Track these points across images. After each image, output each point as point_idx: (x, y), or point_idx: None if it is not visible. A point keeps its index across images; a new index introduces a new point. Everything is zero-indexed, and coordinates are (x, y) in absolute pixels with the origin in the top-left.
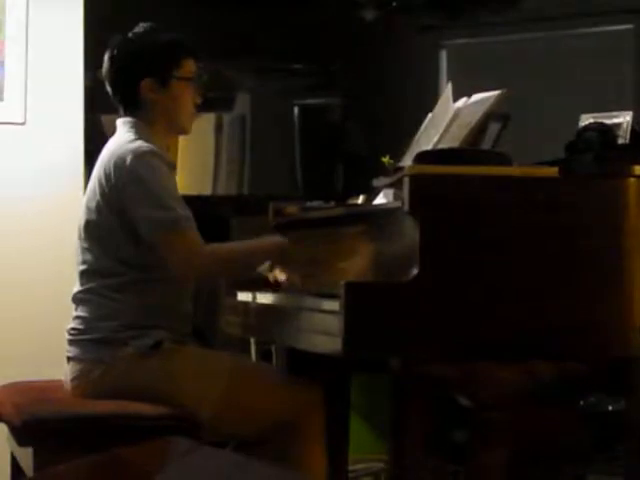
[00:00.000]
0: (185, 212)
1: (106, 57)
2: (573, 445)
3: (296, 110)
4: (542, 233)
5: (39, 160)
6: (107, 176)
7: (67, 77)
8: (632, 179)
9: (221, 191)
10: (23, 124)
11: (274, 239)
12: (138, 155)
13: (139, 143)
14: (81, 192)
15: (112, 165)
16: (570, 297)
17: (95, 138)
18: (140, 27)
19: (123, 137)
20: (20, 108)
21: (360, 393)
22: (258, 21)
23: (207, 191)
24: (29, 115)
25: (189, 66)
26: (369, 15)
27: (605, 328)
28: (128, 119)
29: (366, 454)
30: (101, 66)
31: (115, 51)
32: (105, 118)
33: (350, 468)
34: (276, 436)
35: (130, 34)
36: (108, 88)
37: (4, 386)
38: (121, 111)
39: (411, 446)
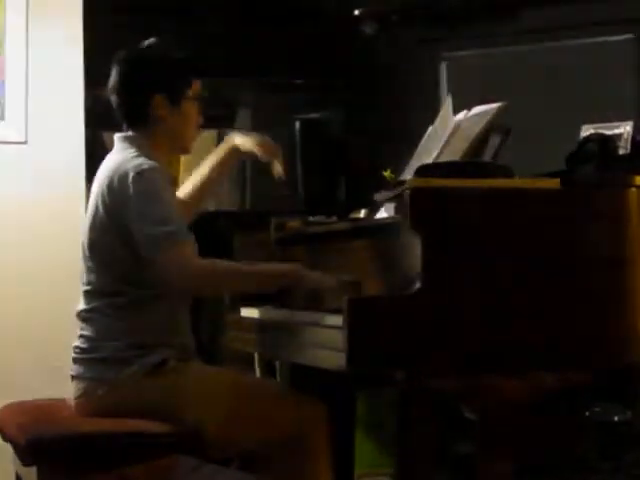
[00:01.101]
0: (183, 227)
1: (114, 71)
2: (578, 455)
3: (297, 125)
4: (544, 244)
5: (41, 179)
6: (110, 193)
7: (68, 95)
8: (633, 189)
9: (223, 206)
10: (24, 143)
11: (290, 265)
12: (140, 172)
13: (141, 160)
14: (83, 210)
15: (116, 182)
16: (573, 308)
17: (96, 156)
18: (153, 41)
19: (123, 154)
20: (21, 127)
21: (365, 407)
22: (258, 36)
23: (209, 206)
24: (30, 134)
25: (197, 86)
26: (369, 29)
27: (609, 338)
28: (128, 134)
29: (371, 468)
30: (102, 84)
31: (125, 64)
32: (106, 135)
33: None
34: (281, 452)
35: (143, 47)
36: (114, 101)
37: (8, 406)
38: (124, 126)
39: (417, 459)
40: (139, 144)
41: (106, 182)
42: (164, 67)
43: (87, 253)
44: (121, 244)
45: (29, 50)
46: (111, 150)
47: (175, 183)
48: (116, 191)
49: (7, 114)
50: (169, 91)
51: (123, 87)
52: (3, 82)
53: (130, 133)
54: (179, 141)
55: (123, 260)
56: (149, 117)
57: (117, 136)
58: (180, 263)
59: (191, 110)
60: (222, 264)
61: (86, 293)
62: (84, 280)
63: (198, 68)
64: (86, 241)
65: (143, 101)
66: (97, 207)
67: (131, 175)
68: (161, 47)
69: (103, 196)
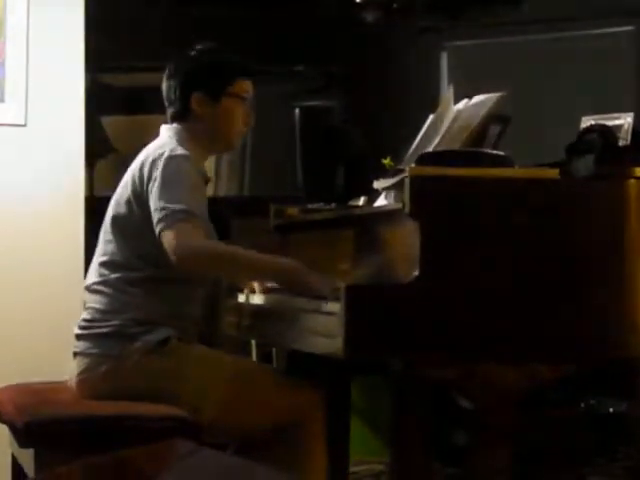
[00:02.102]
0: (196, 209)
1: (166, 70)
2: (573, 446)
3: (297, 112)
4: (542, 235)
5: (40, 162)
6: (141, 173)
7: (68, 79)
8: (633, 181)
9: (222, 192)
10: (24, 126)
11: (292, 262)
12: (172, 157)
13: (179, 147)
14: (82, 192)
15: (149, 163)
16: (571, 299)
17: (96, 140)
18: (203, 44)
19: (164, 141)
20: (21, 110)
21: (361, 395)
22: (258, 23)
23: (208, 192)
24: (30, 117)
25: (244, 86)
26: (370, 17)
27: (607, 330)
28: (173, 126)
29: (367, 456)
30: (102, 68)
31: (174, 64)
32: (106, 120)
33: (351, 470)
34: (277, 438)
35: (192, 50)
36: (164, 99)
37: (6, 387)
38: (169, 119)
39: (412, 447)
40: (180, 137)
41: (142, 162)
42: (202, 67)
43: (108, 227)
44: (143, 221)
45: (29, 32)
46: (111, 134)
47: (207, 181)
48: (147, 172)
49: (7, 96)
50: (207, 89)
51: (168, 86)
52: (3, 64)
53: (175, 125)
54: (220, 137)
55: (143, 237)
56: (191, 113)
57: (163, 126)
58: (180, 240)
59: (232, 107)
60: (224, 247)
61: (100, 264)
62: (100, 251)
63: (243, 70)
64: (110, 215)
65: (183, 99)
66: (127, 184)
67: (164, 157)
68: (205, 50)
69: (134, 175)
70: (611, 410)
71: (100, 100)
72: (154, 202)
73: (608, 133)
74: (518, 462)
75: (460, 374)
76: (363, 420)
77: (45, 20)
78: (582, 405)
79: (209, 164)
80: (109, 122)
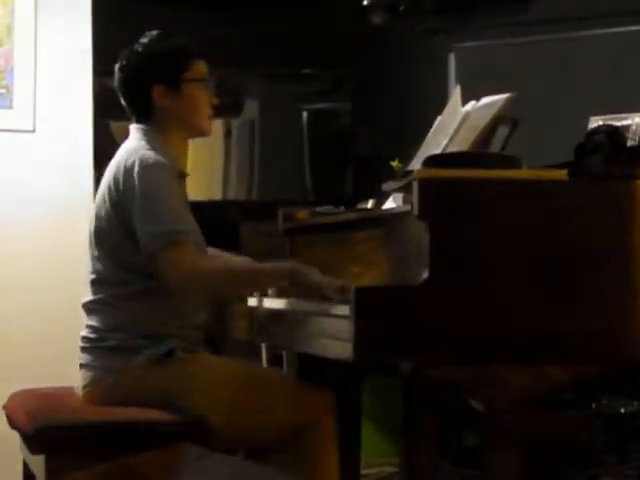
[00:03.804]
0: (184, 227)
1: (116, 68)
2: (584, 447)
3: (305, 115)
4: (552, 236)
5: (49, 168)
6: (116, 184)
7: (76, 84)
8: None
9: (230, 196)
10: (33, 132)
11: (288, 264)
12: (146, 167)
13: (149, 154)
14: (91, 199)
15: (122, 174)
16: (582, 300)
17: (104, 145)
18: (147, 35)
19: (134, 144)
20: (29, 116)
21: (371, 397)
22: (266, 26)
23: (217, 196)
24: (38, 123)
25: (199, 68)
26: (377, 19)
27: (618, 331)
28: (141, 126)
29: (378, 458)
30: (110, 73)
31: (124, 62)
32: (114, 125)
33: (362, 472)
34: (288, 441)
35: (137, 44)
36: (121, 99)
37: (16, 394)
38: (134, 119)
39: (423, 449)
40: (151, 137)
41: (115, 172)
42: (155, 58)
43: (93, 241)
44: (126, 236)
45: (38, 38)
46: (119, 140)
47: (184, 176)
48: (121, 184)
49: (15, 102)
50: (165, 79)
51: (123, 86)
52: (12, 70)
53: (143, 125)
54: (191, 125)
55: (128, 251)
56: (155, 108)
57: (132, 126)
58: (177, 266)
59: (195, 92)
60: (219, 266)
61: (92, 283)
62: (90, 269)
63: (193, 51)
64: (92, 229)
65: (144, 94)
66: (104, 197)
67: (136, 169)
68: (152, 40)
69: (109, 187)
70: (622, 410)
71: (109, 105)
72: (137, 225)
73: (616, 133)
74: (530, 463)
75: (471, 376)
76: (374, 422)
77: (53, 25)
78: (593, 405)
79: (218, 168)
80: (118, 127)
